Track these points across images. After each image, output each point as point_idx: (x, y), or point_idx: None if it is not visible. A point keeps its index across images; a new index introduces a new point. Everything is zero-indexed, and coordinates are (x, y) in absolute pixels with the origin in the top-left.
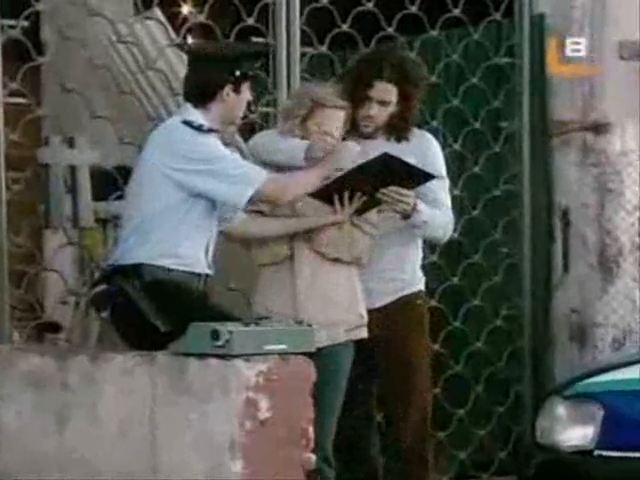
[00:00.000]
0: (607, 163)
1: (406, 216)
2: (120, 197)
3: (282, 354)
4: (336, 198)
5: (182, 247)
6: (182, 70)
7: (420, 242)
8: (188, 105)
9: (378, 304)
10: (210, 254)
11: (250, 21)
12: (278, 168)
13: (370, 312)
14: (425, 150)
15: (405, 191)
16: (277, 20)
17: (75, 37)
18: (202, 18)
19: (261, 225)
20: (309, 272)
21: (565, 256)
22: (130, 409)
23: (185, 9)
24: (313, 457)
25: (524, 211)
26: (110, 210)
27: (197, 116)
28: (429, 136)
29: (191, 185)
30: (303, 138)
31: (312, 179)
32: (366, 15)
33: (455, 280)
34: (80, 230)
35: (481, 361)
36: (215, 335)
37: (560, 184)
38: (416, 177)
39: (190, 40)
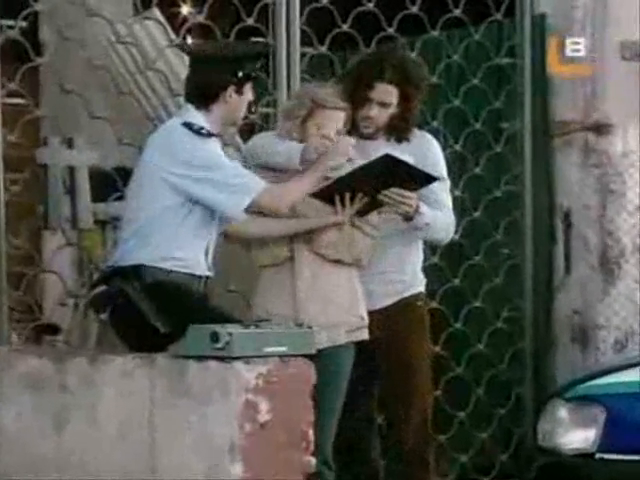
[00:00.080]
0: (609, 164)
1: (408, 218)
2: (119, 198)
3: (282, 356)
4: (337, 199)
5: (182, 250)
6: (182, 71)
7: (421, 243)
8: (189, 106)
9: (379, 306)
10: (210, 256)
11: (250, 21)
12: (276, 170)
13: (371, 314)
14: (425, 151)
15: (407, 193)
16: (277, 20)
17: (74, 37)
18: (201, 18)
19: (261, 225)
20: (309, 273)
21: (567, 257)
22: (129, 411)
23: (184, 9)
24: (313, 460)
25: (525, 212)
26: (109, 211)
27: (198, 118)
28: (429, 137)
29: (189, 191)
30: (302, 139)
31: (306, 184)
32: (366, 15)
33: (456, 281)
34: (79, 231)
35: (482, 363)
36: (215, 337)
37: (562, 185)
38: (418, 179)
39: (190, 40)
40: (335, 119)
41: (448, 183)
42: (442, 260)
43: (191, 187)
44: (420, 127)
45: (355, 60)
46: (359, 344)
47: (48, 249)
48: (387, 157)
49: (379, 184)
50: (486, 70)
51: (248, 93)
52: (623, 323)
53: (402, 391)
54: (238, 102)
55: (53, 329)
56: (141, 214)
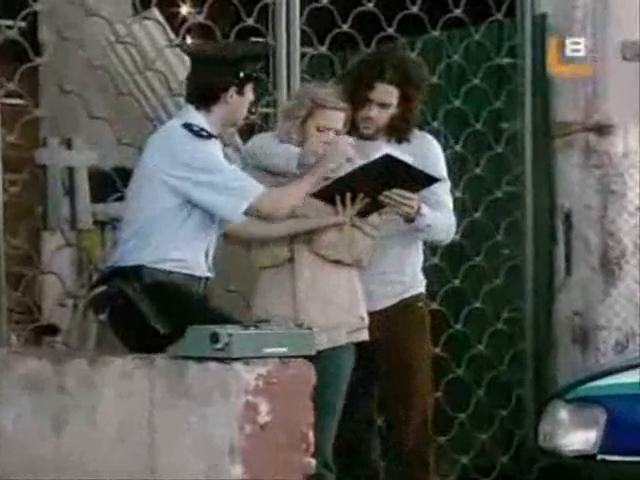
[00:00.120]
0: (610, 165)
1: (410, 220)
2: (119, 199)
3: (282, 357)
4: (338, 199)
5: (182, 251)
6: (181, 71)
7: (421, 244)
8: (189, 107)
9: (379, 307)
10: (210, 257)
11: (250, 21)
12: (274, 173)
13: (371, 315)
14: (426, 152)
15: (409, 194)
16: (277, 20)
17: (73, 38)
18: (201, 18)
19: (261, 226)
20: (309, 274)
21: (567, 258)
22: (129, 412)
23: (184, 9)
24: (313, 462)
25: (526, 213)
26: (108, 212)
27: (199, 118)
28: (430, 138)
29: (188, 194)
30: (302, 139)
31: (304, 188)
32: (367, 15)
33: (456, 282)
34: (78, 232)
35: (483, 364)
36: (214, 338)
37: (562, 186)
38: (419, 180)
39: (189, 41)
40: (335, 119)
41: (448, 184)
42: (442, 261)
43: (190, 190)
44: (420, 127)
45: (355, 60)
46: (359, 345)
47: (47, 250)
48: (387, 157)
49: (380, 185)
50: (487, 70)
51: (249, 94)
52: (624, 324)
53: (402, 392)
54: (239, 103)
55: (52, 330)
56: (141, 215)
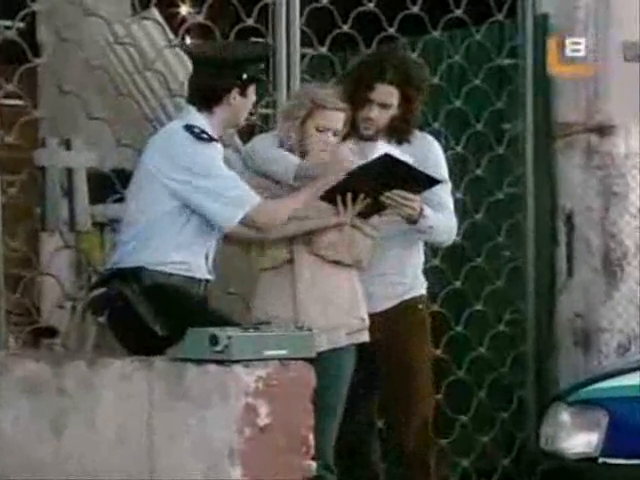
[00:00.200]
0: (612, 166)
1: (413, 221)
2: (118, 200)
3: (282, 359)
4: (339, 199)
5: (182, 253)
6: (180, 71)
7: (422, 245)
8: (191, 108)
9: (379, 308)
10: (211, 260)
11: (249, 21)
12: (272, 179)
13: (371, 316)
14: (426, 153)
15: (410, 195)
16: (277, 21)
17: (72, 38)
18: (201, 18)
19: None
20: (309, 275)
21: (569, 260)
22: (128, 414)
23: (183, 9)
24: (313, 464)
25: (528, 214)
26: (107, 213)
27: (201, 120)
28: (430, 138)
29: (185, 197)
30: (301, 140)
31: (301, 201)
32: (367, 15)
33: (457, 284)
34: (77, 234)
35: (484, 366)
36: (214, 340)
37: (564, 187)
38: (421, 181)
39: (188, 41)
40: (335, 120)
41: (449, 185)
42: (443, 262)
43: (189, 194)
44: (421, 128)
45: (355, 61)
46: (360, 347)
47: (46, 251)
48: (386, 157)
49: (380, 185)
50: (488, 71)
51: (252, 95)
52: (626, 326)
53: (402, 394)
54: (242, 104)
55: (51, 332)
56: (141, 217)
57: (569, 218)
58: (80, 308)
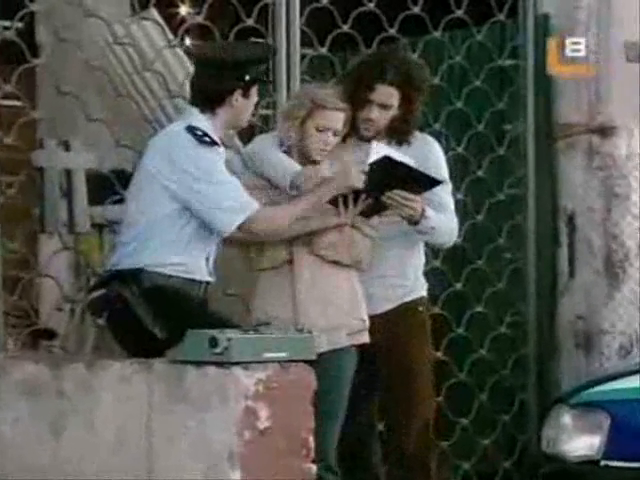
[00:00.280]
0: (613, 166)
1: (414, 222)
2: (117, 201)
3: (282, 362)
4: (340, 200)
5: (182, 255)
6: (180, 72)
7: (422, 247)
8: (194, 110)
9: (379, 310)
10: (211, 261)
11: (249, 22)
12: (270, 183)
13: (371, 318)
14: (427, 153)
15: (411, 196)
16: (277, 21)
17: (71, 38)
18: (200, 19)
19: None
20: (309, 275)
21: (571, 261)
22: (127, 417)
23: (183, 9)
24: (313, 467)
25: (529, 215)
26: (106, 215)
27: (203, 122)
28: (431, 139)
29: (185, 200)
30: (301, 140)
31: (299, 210)
32: (367, 16)
33: (458, 286)
34: (76, 235)
35: (485, 369)
36: (213, 342)
37: (565, 188)
38: (422, 182)
39: (188, 41)
40: (335, 120)
41: (450, 186)
42: (444, 264)
43: (189, 197)
44: (422, 129)
45: (355, 61)
46: (360, 348)
47: (44, 253)
48: (386, 159)
49: (381, 186)
50: (489, 71)
51: (254, 96)
52: (628, 328)
53: (403, 396)
54: (244, 105)
55: (49, 334)
56: (141, 218)
57: (570, 219)
58: (79, 310)
